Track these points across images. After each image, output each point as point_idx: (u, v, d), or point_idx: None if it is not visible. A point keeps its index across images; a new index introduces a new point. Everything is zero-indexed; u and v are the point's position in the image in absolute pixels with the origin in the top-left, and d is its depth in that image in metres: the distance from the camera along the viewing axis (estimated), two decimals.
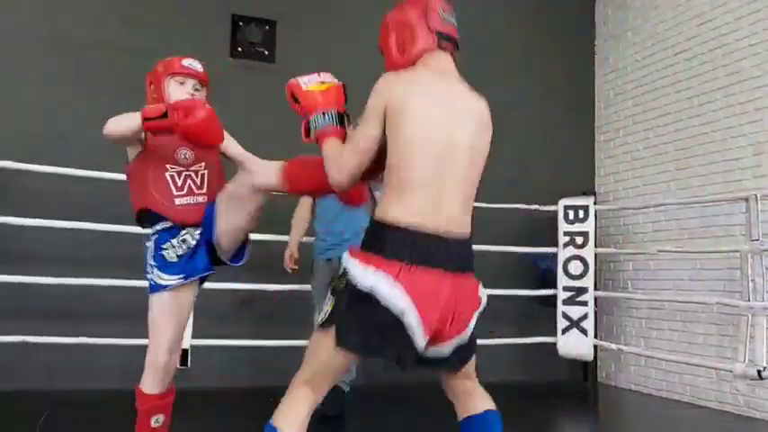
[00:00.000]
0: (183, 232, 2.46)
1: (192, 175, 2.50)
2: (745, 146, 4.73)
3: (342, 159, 1.96)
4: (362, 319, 1.80)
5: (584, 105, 6.24)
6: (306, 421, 1.89)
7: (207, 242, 2.47)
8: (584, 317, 5.24)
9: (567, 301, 5.26)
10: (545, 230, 5.45)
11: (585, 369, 5.69)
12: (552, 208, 5.38)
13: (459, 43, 2.09)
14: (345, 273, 1.84)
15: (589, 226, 5.31)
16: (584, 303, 5.24)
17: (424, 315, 1.79)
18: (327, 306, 1.87)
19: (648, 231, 5.50)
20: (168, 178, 2.46)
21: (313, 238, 4.24)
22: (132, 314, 4.43)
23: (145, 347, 2.43)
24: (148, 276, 2.45)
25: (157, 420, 2.44)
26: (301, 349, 5.04)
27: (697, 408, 4.81)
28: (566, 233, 5.33)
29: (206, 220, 2.47)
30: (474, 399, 2.09)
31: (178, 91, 2.51)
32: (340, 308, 1.83)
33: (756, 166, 4.64)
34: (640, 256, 5.48)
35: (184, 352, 4.24)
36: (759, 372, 4.00)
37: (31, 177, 4.32)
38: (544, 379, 5.47)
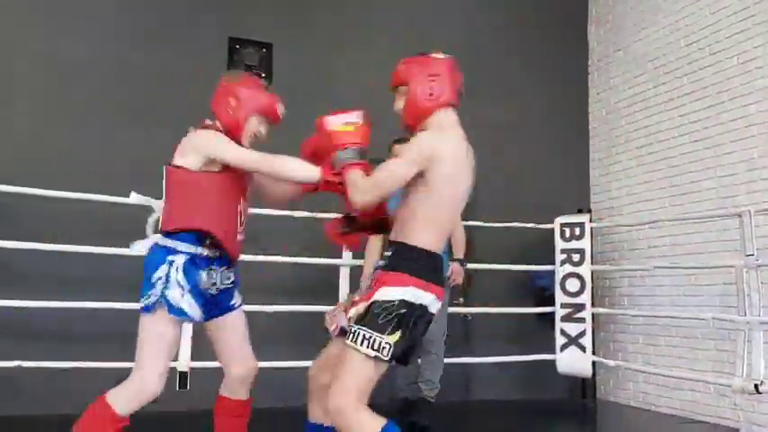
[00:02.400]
0: (220, 268, 2.47)
1: (243, 210, 2.54)
2: (737, 162, 4.79)
3: (372, 182, 2.25)
4: (413, 334, 2.21)
5: (578, 124, 6.31)
6: None
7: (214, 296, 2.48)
8: (583, 333, 5.25)
9: (564, 318, 5.28)
10: (542, 248, 5.48)
11: (584, 386, 5.69)
12: (549, 226, 5.42)
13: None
14: (406, 302, 2.18)
15: (585, 243, 5.34)
16: (582, 320, 5.26)
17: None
18: (388, 339, 2.14)
19: (644, 248, 5.54)
20: (237, 211, 2.47)
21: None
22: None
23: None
24: (167, 294, 2.31)
25: None
26: (295, 370, 5.05)
27: (696, 423, 4.82)
28: (562, 250, 5.36)
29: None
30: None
31: (256, 127, 2.60)
32: (406, 336, 2.18)
33: (749, 181, 4.69)
34: (636, 272, 5.51)
35: (183, 375, 4.24)
36: (756, 386, 4.02)
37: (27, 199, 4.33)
38: (543, 396, 5.47)
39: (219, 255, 2.44)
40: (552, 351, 5.29)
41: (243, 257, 3.16)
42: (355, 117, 2.42)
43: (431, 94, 2.35)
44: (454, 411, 5.10)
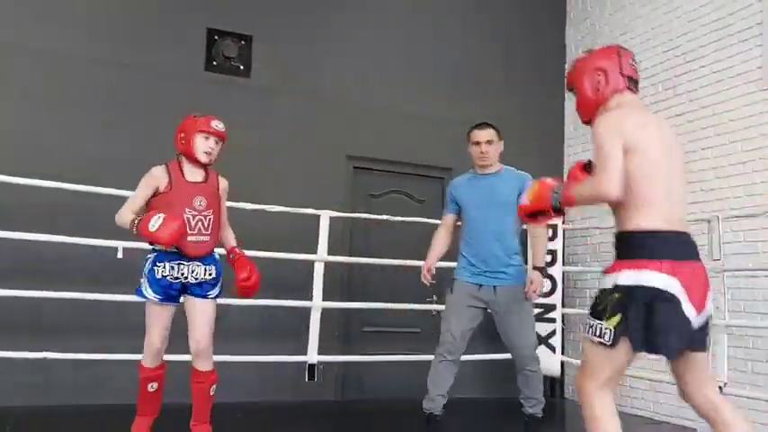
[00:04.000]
0: (182, 263, 3.27)
1: (203, 219, 3.28)
2: (707, 169, 4.89)
3: (604, 176, 2.20)
4: (653, 320, 2.14)
5: (554, 127, 6.37)
6: None
7: (185, 285, 3.30)
8: (553, 333, 5.32)
9: (535, 318, 5.33)
10: None
11: (553, 385, 5.77)
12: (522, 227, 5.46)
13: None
14: (620, 287, 2.19)
15: (557, 245, 5.41)
16: (553, 320, 5.33)
17: (694, 297, 2.20)
18: (607, 324, 2.20)
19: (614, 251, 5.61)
20: (185, 219, 3.21)
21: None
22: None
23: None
24: (141, 282, 3.28)
25: (152, 386, 3.33)
26: (271, 365, 5.04)
27: (658, 423, 4.92)
28: None
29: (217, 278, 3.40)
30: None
31: (203, 144, 3.29)
32: (630, 320, 2.16)
33: (718, 188, 4.79)
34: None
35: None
36: (720, 388, 4.11)
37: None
38: (513, 395, 5.51)
39: (180, 252, 3.25)
40: None
41: (219, 252, 3.20)
42: (529, 185, 2.57)
43: (597, 89, 2.46)
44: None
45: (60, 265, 4.41)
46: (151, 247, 3.30)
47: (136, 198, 3.27)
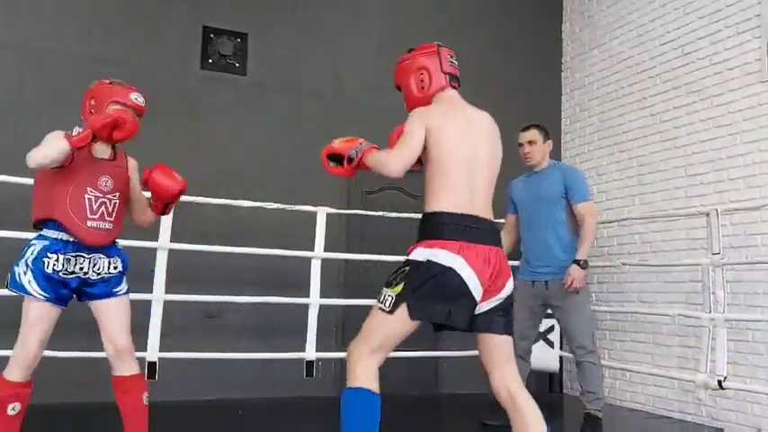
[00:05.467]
0: (81, 254, 2.70)
1: (107, 202, 2.75)
2: (706, 162, 4.87)
3: (396, 153, 2.40)
4: (433, 292, 2.28)
5: (551, 121, 6.34)
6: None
7: (86, 282, 2.73)
8: (551, 329, 5.30)
9: None
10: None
11: (551, 380, 5.76)
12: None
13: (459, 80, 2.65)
14: (408, 261, 2.34)
15: None
16: (551, 316, 5.30)
17: (482, 277, 2.31)
18: (390, 292, 2.32)
19: (613, 245, 5.61)
20: (86, 200, 2.69)
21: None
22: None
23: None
24: (15, 270, 2.66)
25: (14, 408, 2.63)
26: (269, 362, 5.04)
27: (660, 418, 4.90)
28: None
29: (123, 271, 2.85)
30: (525, 420, 2.37)
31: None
32: (411, 288, 2.28)
33: (717, 181, 4.77)
34: (605, 268, 5.58)
35: (152, 365, 4.19)
36: (720, 382, 4.10)
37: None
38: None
39: (75, 240, 2.68)
40: None
41: (217, 249, 3.15)
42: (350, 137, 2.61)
43: (422, 87, 2.58)
44: (422, 405, 5.13)
45: None
46: (37, 233, 2.74)
47: (46, 142, 2.60)
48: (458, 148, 2.42)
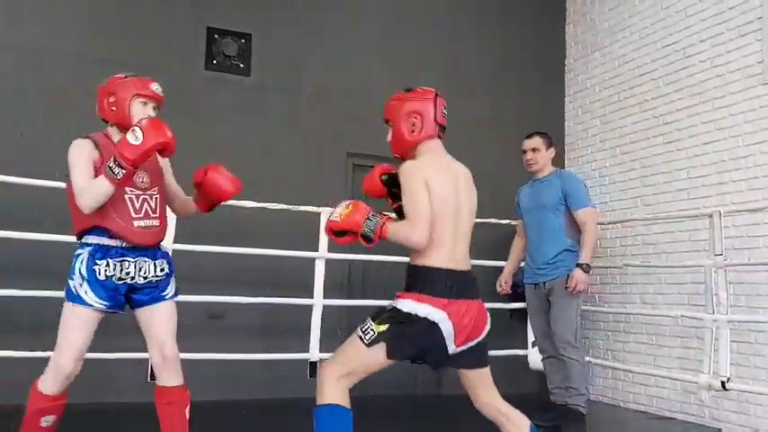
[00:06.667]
0: (126, 259, 2.60)
1: (148, 198, 2.67)
2: (708, 164, 4.88)
3: (417, 225, 2.43)
4: (413, 339, 2.42)
5: (554, 122, 6.36)
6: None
7: (133, 287, 2.63)
8: None
9: None
10: None
11: None
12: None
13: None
14: (396, 309, 2.44)
15: None
16: None
17: (459, 331, 2.45)
18: (374, 326, 2.42)
19: (616, 246, 5.62)
20: (127, 201, 2.59)
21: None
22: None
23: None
24: (70, 283, 2.56)
25: (47, 421, 2.57)
26: (273, 363, 5.05)
27: (663, 419, 4.91)
28: None
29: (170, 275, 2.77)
30: (517, 424, 2.63)
31: (141, 111, 2.66)
32: (394, 332, 2.40)
33: (720, 183, 4.78)
34: (608, 269, 5.59)
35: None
36: (723, 383, 4.12)
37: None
38: (514, 391, 5.50)
39: (124, 244, 2.59)
40: (524, 347, 5.35)
41: (220, 250, 3.16)
42: (343, 204, 2.61)
43: (413, 131, 2.61)
44: (425, 406, 5.14)
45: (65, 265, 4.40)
46: (80, 241, 2.64)
47: (83, 170, 2.54)
48: (448, 204, 2.51)
